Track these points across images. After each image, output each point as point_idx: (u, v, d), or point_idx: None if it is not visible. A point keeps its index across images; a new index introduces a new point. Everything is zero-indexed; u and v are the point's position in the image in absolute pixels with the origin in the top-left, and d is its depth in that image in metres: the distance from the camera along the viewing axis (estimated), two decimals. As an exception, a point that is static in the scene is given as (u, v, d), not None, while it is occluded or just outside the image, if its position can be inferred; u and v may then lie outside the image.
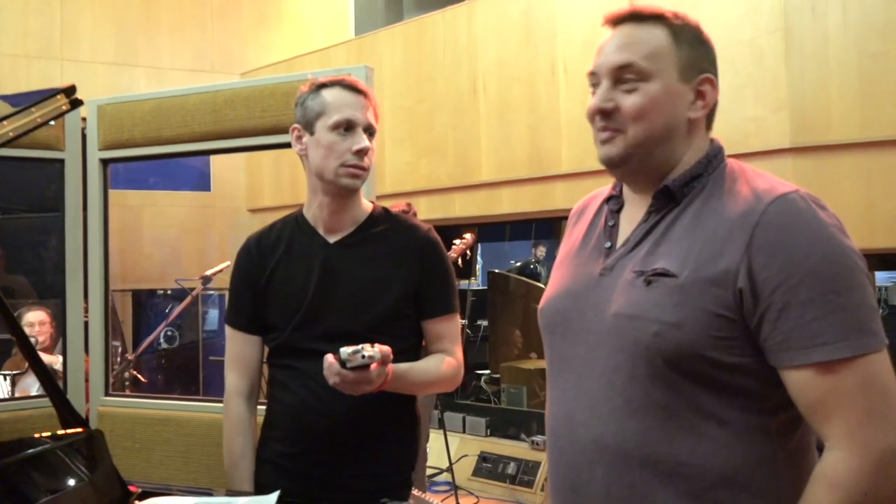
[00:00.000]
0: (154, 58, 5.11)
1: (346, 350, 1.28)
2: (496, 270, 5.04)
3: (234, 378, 1.61)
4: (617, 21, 1.08)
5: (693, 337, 0.96)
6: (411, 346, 1.55)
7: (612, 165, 1.08)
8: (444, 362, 1.54)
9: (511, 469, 3.51)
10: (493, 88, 3.85)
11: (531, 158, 3.69)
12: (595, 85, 1.09)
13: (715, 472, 0.97)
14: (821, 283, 0.93)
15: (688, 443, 0.98)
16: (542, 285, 4.91)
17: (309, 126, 1.53)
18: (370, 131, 1.53)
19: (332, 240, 1.56)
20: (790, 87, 2.87)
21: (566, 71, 3.56)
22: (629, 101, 1.04)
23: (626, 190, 1.15)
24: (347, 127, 1.50)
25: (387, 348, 1.32)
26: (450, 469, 3.44)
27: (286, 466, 1.53)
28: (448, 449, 3.46)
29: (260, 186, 5.26)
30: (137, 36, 5.07)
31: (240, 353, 1.61)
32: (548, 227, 6.39)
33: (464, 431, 3.83)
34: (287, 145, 2.57)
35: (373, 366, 1.29)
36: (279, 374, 1.57)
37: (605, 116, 1.06)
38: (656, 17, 1.07)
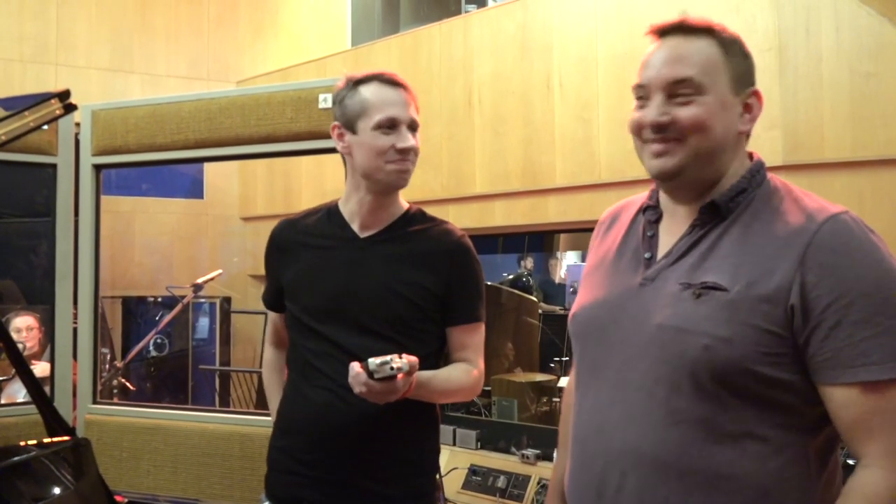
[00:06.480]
0: (149, 64, 5.10)
1: (374, 361, 1.27)
2: (488, 283, 5.03)
3: (269, 334, 1.76)
4: (664, 32, 1.08)
5: (743, 352, 0.97)
6: (433, 352, 1.54)
7: (666, 178, 1.07)
8: (466, 372, 1.53)
9: (501, 482, 3.49)
10: (488, 101, 3.86)
11: (525, 172, 3.69)
12: (642, 98, 1.08)
13: (752, 487, 0.98)
14: (872, 305, 0.94)
15: (727, 457, 0.99)
16: (534, 298, 4.91)
17: (350, 125, 1.52)
18: (413, 127, 1.53)
19: (363, 235, 1.55)
20: (783, 106, 2.89)
21: (561, 85, 3.57)
22: (686, 113, 1.03)
23: (663, 200, 1.14)
24: (391, 126, 1.49)
25: (414, 359, 1.32)
26: (439, 482, 3.42)
27: (307, 474, 1.50)
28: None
29: (253, 195, 5.25)
30: (133, 42, 5.06)
31: (272, 317, 1.73)
32: (540, 240, 6.39)
33: (454, 444, 3.81)
34: (280, 154, 2.57)
35: (399, 376, 1.29)
36: (297, 373, 1.56)
37: (659, 129, 1.05)
38: (705, 30, 1.06)
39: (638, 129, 1.08)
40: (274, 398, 1.66)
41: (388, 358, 1.27)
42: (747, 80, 1.07)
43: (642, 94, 1.08)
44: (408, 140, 1.51)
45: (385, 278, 1.50)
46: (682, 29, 1.06)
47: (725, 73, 1.05)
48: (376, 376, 1.27)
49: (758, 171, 1.08)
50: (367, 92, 1.51)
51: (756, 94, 1.08)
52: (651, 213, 1.15)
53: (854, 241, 0.98)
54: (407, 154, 1.51)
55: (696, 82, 1.03)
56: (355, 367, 1.30)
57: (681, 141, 1.04)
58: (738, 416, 0.99)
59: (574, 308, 1.19)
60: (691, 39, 1.06)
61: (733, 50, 1.06)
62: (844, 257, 0.96)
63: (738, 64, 1.06)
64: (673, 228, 1.11)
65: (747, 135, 1.10)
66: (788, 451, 0.99)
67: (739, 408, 0.99)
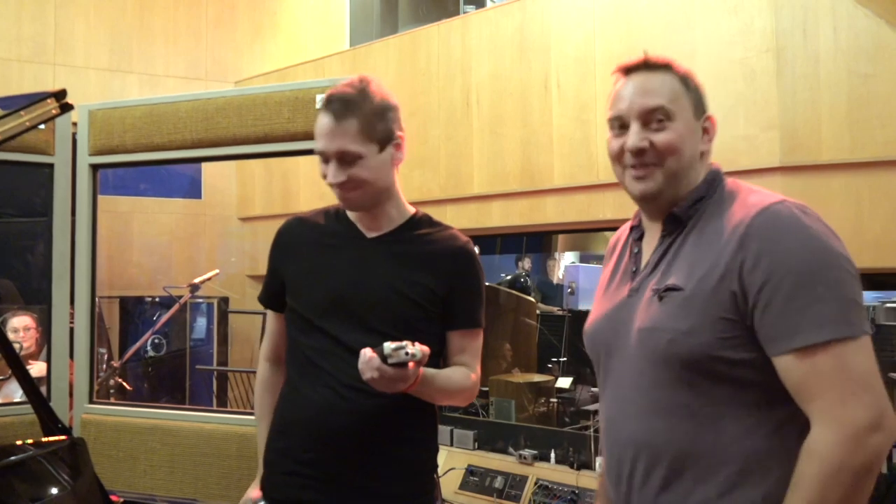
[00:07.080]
0: (148, 65, 5.10)
1: (389, 345, 1.28)
2: (486, 283, 5.04)
3: (265, 348, 1.70)
4: (630, 70, 1.22)
5: (703, 340, 1.09)
6: (436, 353, 1.54)
7: (650, 199, 1.21)
8: (465, 375, 1.54)
9: (498, 483, 3.49)
10: (486, 102, 3.86)
11: (523, 172, 3.69)
12: (621, 128, 1.21)
13: (734, 463, 1.09)
14: (799, 280, 1.05)
15: (708, 437, 1.10)
16: (532, 298, 4.91)
17: None
18: (345, 158, 1.46)
19: (369, 235, 1.57)
20: (781, 107, 2.89)
21: (559, 86, 3.57)
22: (661, 137, 1.17)
23: (644, 219, 1.29)
24: (323, 158, 1.49)
25: (426, 348, 1.33)
26: (436, 482, 3.41)
27: (306, 474, 1.49)
28: (435, 462, 3.43)
29: (251, 195, 5.25)
30: (131, 42, 5.05)
31: (270, 326, 1.69)
32: (538, 241, 6.39)
33: (451, 444, 3.81)
34: (277, 154, 2.57)
35: (410, 364, 1.29)
36: (296, 372, 1.55)
37: (639, 154, 1.18)
38: (665, 66, 1.21)
39: (619, 155, 1.21)
40: (264, 421, 1.63)
41: (403, 343, 1.29)
42: (703, 107, 1.22)
43: (619, 124, 1.21)
44: (333, 176, 1.46)
45: (390, 278, 1.51)
46: (646, 66, 1.21)
47: (687, 101, 1.20)
48: (390, 361, 1.28)
49: (714, 178, 1.21)
50: (318, 118, 1.50)
51: (710, 118, 1.22)
52: (636, 232, 1.30)
53: (783, 224, 1.08)
54: (339, 186, 1.48)
55: (667, 110, 1.17)
56: (367, 352, 1.30)
57: (658, 165, 1.18)
58: (712, 399, 1.10)
59: (586, 325, 1.33)
60: (655, 74, 1.20)
61: (688, 82, 1.21)
62: (774, 241, 1.07)
63: (694, 93, 1.21)
64: (651, 243, 1.25)
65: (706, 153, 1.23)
66: (764, 428, 1.09)
67: (712, 391, 1.10)
